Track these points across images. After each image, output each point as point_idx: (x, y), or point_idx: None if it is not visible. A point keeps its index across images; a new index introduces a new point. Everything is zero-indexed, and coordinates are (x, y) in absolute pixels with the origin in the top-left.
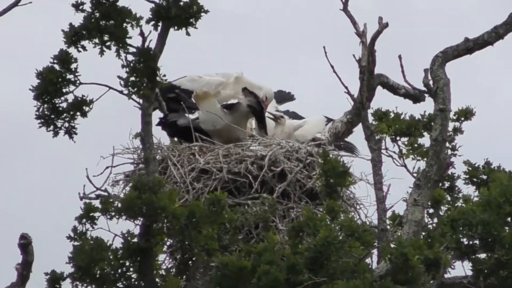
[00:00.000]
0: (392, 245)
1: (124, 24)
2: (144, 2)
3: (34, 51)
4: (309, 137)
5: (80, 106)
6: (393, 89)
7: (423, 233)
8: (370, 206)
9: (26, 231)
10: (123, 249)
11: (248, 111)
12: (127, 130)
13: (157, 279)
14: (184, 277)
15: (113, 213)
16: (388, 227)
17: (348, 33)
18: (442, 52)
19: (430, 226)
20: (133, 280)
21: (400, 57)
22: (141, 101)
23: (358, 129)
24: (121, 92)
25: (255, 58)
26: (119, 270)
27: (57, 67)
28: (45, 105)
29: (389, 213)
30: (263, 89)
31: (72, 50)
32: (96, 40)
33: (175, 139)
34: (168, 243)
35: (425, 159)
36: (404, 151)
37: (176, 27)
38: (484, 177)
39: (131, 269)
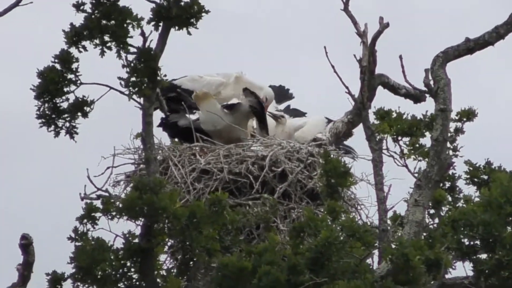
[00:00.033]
0: (393, 246)
1: (125, 24)
2: (145, 2)
3: (35, 51)
4: (309, 138)
5: (81, 106)
6: (394, 89)
7: (424, 234)
8: (371, 206)
9: (26, 231)
10: (124, 250)
11: (249, 111)
12: (128, 130)
13: (158, 280)
14: (185, 277)
15: (114, 214)
16: (389, 227)
17: (349, 33)
18: (443, 52)
19: (431, 226)
20: (134, 280)
21: (401, 57)
22: (142, 101)
23: (359, 129)
24: (122, 92)
25: (256, 58)
26: (120, 271)
27: (58, 66)
28: (46, 105)
29: (390, 214)
30: (264, 89)
31: (72, 51)
32: (97, 41)
33: (176, 139)
34: (169, 244)
35: (426, 159)
36: (405, 151)
37: (177, 27)
38: (485, 177)
39: (132, 269)
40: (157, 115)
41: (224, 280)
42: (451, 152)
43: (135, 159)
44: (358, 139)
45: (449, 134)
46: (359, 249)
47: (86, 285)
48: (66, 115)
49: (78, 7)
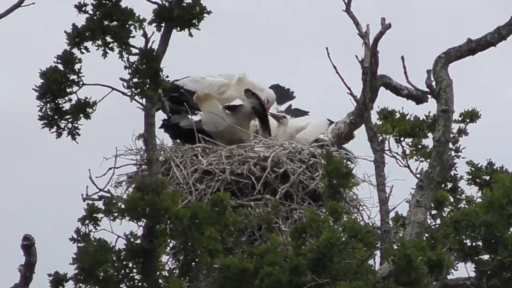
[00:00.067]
0: (395, 247)
1: (127, 25)
2: (146, 3)
3: (36, 51)
4: (311, 140)
5: (83, 107)
6: (396, 90)
7: (426, 235)
8: (373, 207)
9: (27, 232)
10: (126, 251)
11: (251, 112)
12: (130, 131)
13: (160, 281)
14: (187, 278)
15: (116, 214)
16: (391, 228)
17: (349, 33)
18: (445, 53)
19: (433, 227)
20: (136, 281)
21: (403, 58)
22: (144, 102)
23: (361, 130)
24: (124, 93)
25: (256, 58)
26: (122, 272)
27: (60, 67)
28: (48, 105)
29: (392, 214)
30: (265, 91)
31: (74, 52)
32: (99, 42)
33: (177, 140)
34: (171, 245)
35: (428, 160)
36: (407, 151)
37: (179, 28)
38: (487, 177)
39: (134, 270)
40: (159, 116)
41: (226, 282)
42: (453, 153)
43: (137, 160)
44: (360, 140)
45: (451, 135)
46: (361, 250)
47: (88, 286)
48: (68, 117)
49: (80, 8)
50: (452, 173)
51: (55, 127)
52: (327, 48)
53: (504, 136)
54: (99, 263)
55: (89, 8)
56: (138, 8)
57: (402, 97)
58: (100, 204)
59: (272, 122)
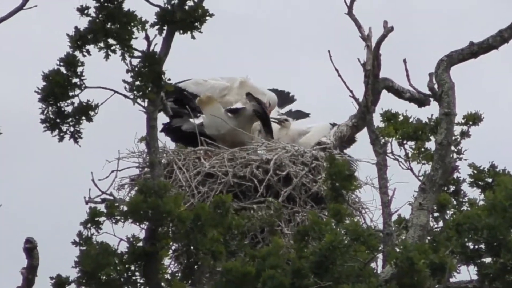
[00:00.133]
0: (397, 249)
1: (129, 27)
2: (149, 6)
3: (38, 53)
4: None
5: (86, 110)
6: (398, 93)
7: (429, 237)
8: (376, 210)
9: (27, 233)
10: (128, 254)
11: (253, 115)
12: (133, 134)
13: (162, 284)
14: (190, 281)
15: (118, 217)
16: (393, 231)
17: (349, 34)
18: (447, 56)
19: (435, 230)
20: (138, 284)
21: (405, 61)
22: (146, 105)
23: (364, 133)
24: (126, 96)
25: (256, 59)
26: (125, 275)
27: (63, 70)
28: (50, 108)
29: (394, 217)
30: (267, 95)
31: (77, 54)
32: (101, 44)
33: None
34: (173, 247)
35: (431, 162)
36: (410, 154)
37: (181, 31)
38: (489, 180)
39: (137, 273)
40: (161, 119)
41: (228, 285)
42: (455, 156)
43: (139, 163)
44: (362, 143)
45: (453, 138)
46: (363, 253)
47: None
48: (70, 120)
49: (82, 11)
50: (455, 175)
51: (57, 131)
52: (329, 51)
53: (506, 138)
54: (101, 266)
55: (92, 11)
56: (140, 11)
57: (404, 100)
58: (102, 208)
59: (274, 125)
